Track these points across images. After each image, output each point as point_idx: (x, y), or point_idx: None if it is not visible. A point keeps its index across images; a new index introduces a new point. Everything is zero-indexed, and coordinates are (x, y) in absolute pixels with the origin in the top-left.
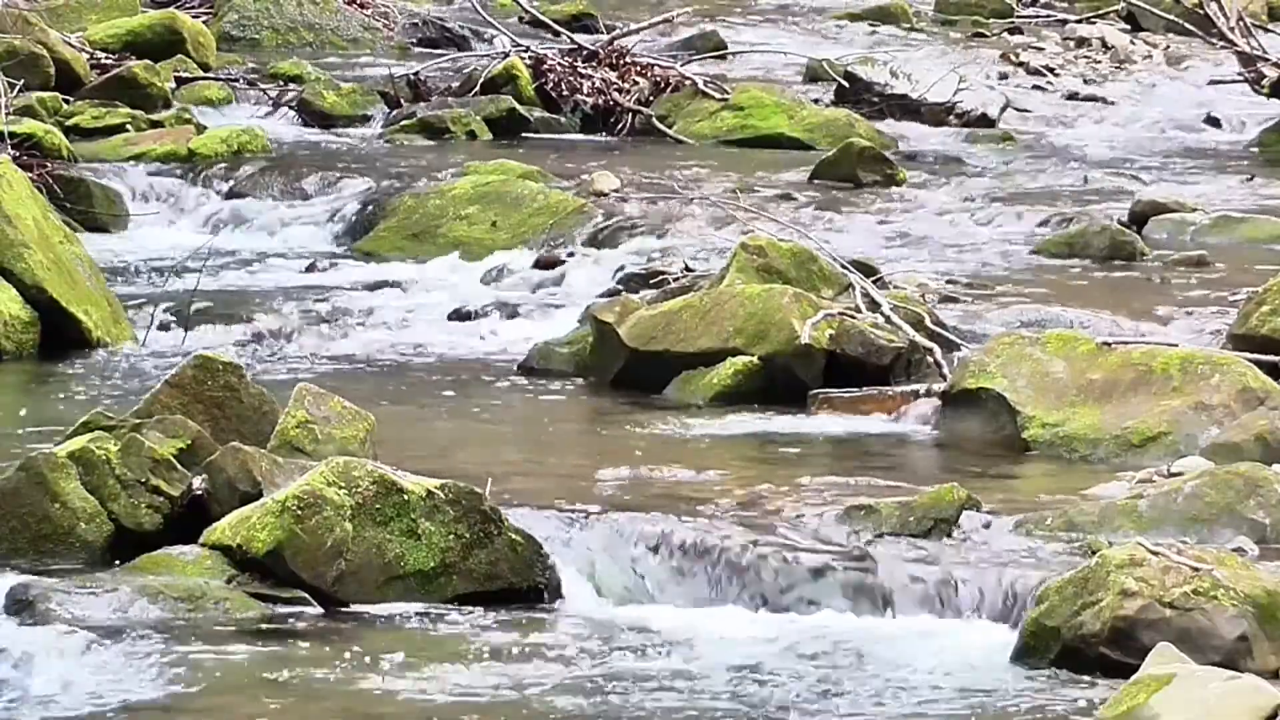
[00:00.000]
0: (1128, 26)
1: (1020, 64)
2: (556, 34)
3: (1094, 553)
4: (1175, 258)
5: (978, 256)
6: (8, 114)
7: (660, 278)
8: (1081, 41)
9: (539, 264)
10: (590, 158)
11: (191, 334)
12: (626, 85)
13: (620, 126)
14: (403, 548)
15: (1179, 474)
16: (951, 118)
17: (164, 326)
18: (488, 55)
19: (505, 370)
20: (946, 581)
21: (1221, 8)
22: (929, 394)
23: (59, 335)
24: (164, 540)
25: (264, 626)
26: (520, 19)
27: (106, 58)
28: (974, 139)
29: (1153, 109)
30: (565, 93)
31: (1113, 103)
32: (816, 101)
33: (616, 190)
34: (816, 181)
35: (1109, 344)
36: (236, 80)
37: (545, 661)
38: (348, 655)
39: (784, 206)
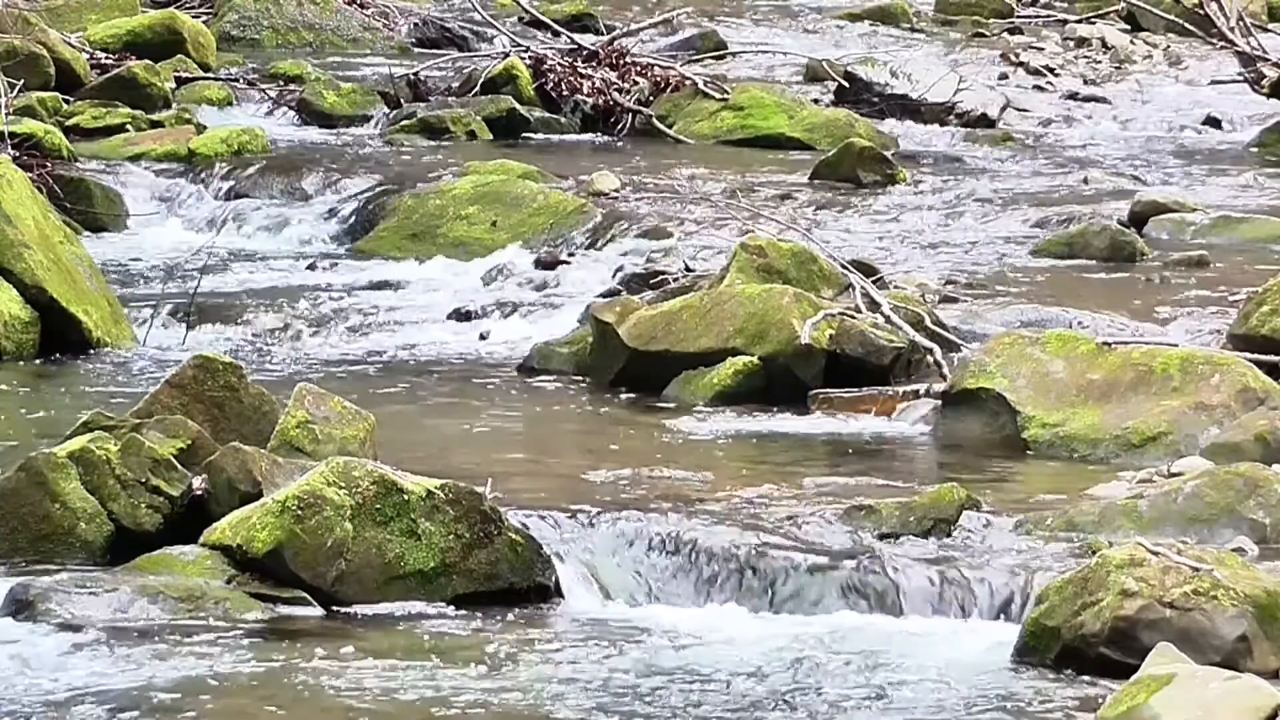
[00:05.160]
0: (1128, 26)
1: (1020, 64)
2: (556, 34)
3: (1094, 553)
4: (1175, 258)
5: (978, 256)
6: (8, 114)
7: (660, 278)
8: (1081, 41)
9: (539, 264)
10: (590, 158)
11: (191, 334)
12: (626, 85)
13: (620, 126)
14: (403, 548)
15: (1179, 474)
16: (951, 118)
17: (164, 326)
18: (488, 55)
19: (505, 370)
20: (946, 581)
21: (1221, 8)
22: (929, 394)
23: (59, 335)
24: (164, 540)
25: (264, 626)
26: (520, 19)
27: (106, 58)
28: (974, 139)
29: (1153, 109)
30: (565, 93)
31: (1113, 103)
32: (816, 101)
33: (616, 190)
34: (816, 181)
35: (1109, 344)
36: (236, 80)
37: (545, 661)
38: (348, 655)
39: (784, 206)
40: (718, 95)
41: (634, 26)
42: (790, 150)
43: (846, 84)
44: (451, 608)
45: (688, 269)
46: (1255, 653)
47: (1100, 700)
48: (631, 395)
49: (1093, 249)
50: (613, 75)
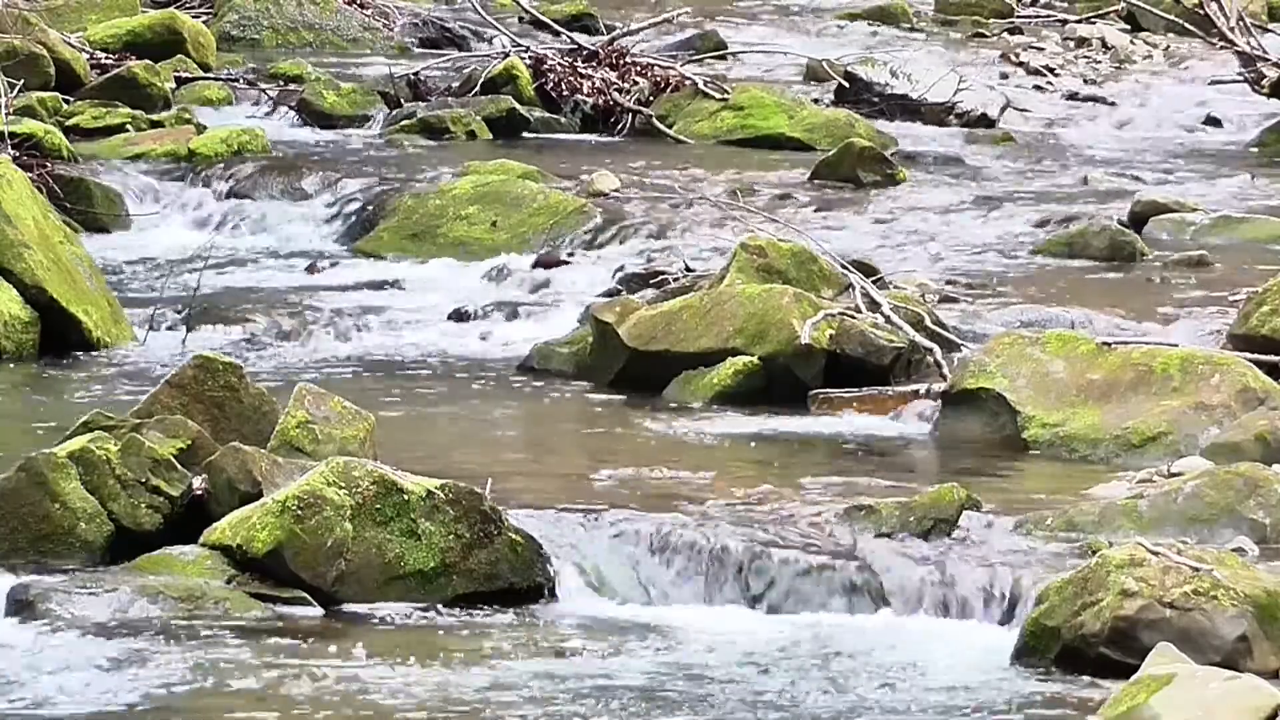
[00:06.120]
0: (1128, 26)
1: (1020, 64)
2: (556, 34)
3: (1094, 553)
4: (1175, 258)
5: (978, 256)
6: (8, 114)
7: (660, 278)
8: (1081, 41)
9: (539, 264)
10: (590, 158)
11: (191, 334)
12: (626, 85)
13: (620, 126)
14: (403, 548)
15: (1179, 474)
16: (951, 118)
17: (164, 326)
18: (488, 55)
19: (505, 370)
20: (946, 581)
21: (1221, 8)
22: (929, 394)
23: (59, 335)
24: (164, 540)
25: (264, 626)
26: (520, 19)
27: (106, 58)
28: (974, 139)
29: (1153, 109)
30: (565, 93)
31: (1113, 103)
32: (816, 101)
33: (616, 190)
34: (816, 181)
35: (1109, 344)
36: (236, 80)
37: (545, 661)
38: (348, 655)
39: (784, 206)
40: (718, 95)
41: (634, 26)
42: (790, 150)
43: (846, 84)
44: (451, 608)
45: (688, 269)
46: (1255, 653)
47: (1100, 700)
48: (631, 395)
49: (1093, 249)
50: (613, 75)
